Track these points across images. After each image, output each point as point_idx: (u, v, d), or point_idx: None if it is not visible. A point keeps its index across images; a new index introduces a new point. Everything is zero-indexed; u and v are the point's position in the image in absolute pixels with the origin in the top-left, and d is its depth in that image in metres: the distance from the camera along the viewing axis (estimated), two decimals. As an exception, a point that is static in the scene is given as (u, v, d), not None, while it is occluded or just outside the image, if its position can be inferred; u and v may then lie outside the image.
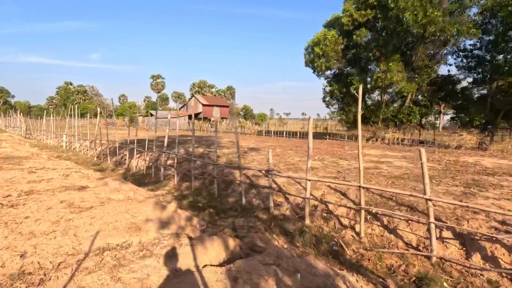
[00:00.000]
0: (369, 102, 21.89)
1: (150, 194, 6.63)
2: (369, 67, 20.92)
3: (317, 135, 27.71)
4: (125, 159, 11.61)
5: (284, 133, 25.78)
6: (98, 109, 12.48)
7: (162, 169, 8.99)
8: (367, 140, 19.69)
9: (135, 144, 10.74)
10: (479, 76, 17.89)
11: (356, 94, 4.92)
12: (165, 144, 8.91)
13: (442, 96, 19.65)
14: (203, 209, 6.36)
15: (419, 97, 19.43)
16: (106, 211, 4.58)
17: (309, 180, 5.18)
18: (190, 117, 53.78)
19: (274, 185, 6.71)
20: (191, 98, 62.63)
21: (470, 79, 18.67)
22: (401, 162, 9.36)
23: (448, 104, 19.19)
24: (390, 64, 17.34)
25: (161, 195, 7.30)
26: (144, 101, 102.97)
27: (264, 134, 28.43)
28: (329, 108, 25.55)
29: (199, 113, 57.37)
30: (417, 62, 17.82)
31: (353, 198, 5.63)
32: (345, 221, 5.12)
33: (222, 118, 57.09)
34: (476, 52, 17.86)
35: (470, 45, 18.24)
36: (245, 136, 25.05)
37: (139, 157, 11.42)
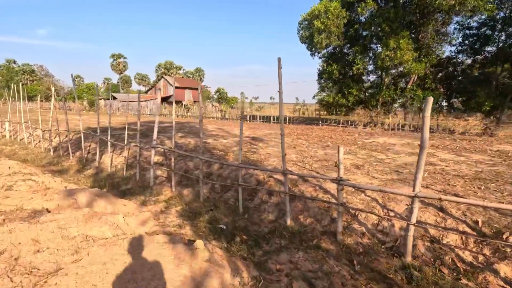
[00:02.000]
0: (367, 85, 20.66)
1: (145, 217, 4.46)
2: (372, 45, 19.48)
3: (309, 121, 26.24)
4: (95, 155, 9.01)
5: (272, 118, 23.91)
6: (53, 89, 9.55)
7: (151, 170, 6.71)
8: (365, 125, 18.58)
9: (108, 134, 8.21)
10: (484, 57, 17.30)
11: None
12: (155, 137, 6.59)
13: (444, 78, 18.96)
14: (232, 235, 4.35)
15: (424, 79, 18.52)
16: (86, 278, 2.43)
17: (417, 198, 3.39)
18: (161, 100, 49.65)
19: (324, 193, 4.88)
20: (159, 79, 57.76)
21: (469, 61, 18.07)
22: (447, 154, 7.98)
23: (449, 87, 18.59)
24: (401, 41, 15.98)
25: (160, 212, 5.13)
26: (104, 83, 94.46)
27: (248, 119, 26.32)
28: (324, 91, 24.02)
29: (169, 96, 53.24)
30: (425, 40, 16.66)
31: (458, 215, 3.97)
32: (468, 256, 3.45)
33: (195, 101, 53.48)
34: (483, 30, 17.12)
35: (477, 22, 17.47)
36: (229, 122, 22.80)
37: (113, 151, 8.89)
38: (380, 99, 18.22)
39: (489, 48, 17.08)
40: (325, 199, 4.72)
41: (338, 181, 3.88)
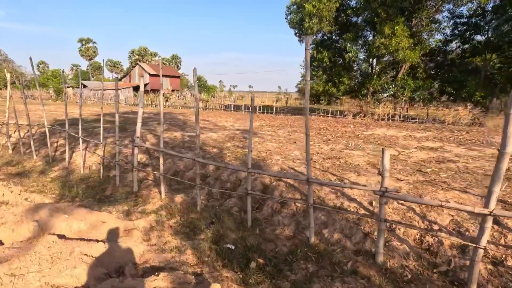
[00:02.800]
0: (357, 73, 20.16)
1: (134, 239, 3.53)
2: (365, 32, 18.83)
3: (297, 111, 25.56)
4: (64, 153, 7.75)
5: (258, 108, 22.98)
6: (8, 75, 8.08)
7: (134, 173, 5.67)
8: (354, 115, 18.20)
9: (80, 129, 6.99)
10: (474, 46, 17.29)
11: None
12: (138, 133, 5.53)
13: (435, 67, 18.85)
14: (245, 258, 3.54)
15: (415, 68, 18.27)
16: None
17: (492, 216, 2.72)
18: (134, 88, 46.95)
19: (349, 201, 4.17)
20: (134, 66, 54.50)
21: (459, 50, 17.99)
22: (458, 148, 7.55)
23: (440, 77, 18.54)
24: (396, 27, 15.46)
25: (150, 229, 4.18)
26: (72, 70, 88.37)
27: (232, 109, 25.21)
28: (313, 79, 23.27)
29: (145, 85, 50.50)
30: (418, 27, 16.26)
31: (517, 229, 3.38)
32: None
33: (173, 90, 51.07)
34: (473, 19, 17.03)
35: (468, 11, 17.35)
36: (212, 112, 21.64)
37: (86, 149, 7.68)
38: (371, 88, 17.84)
39: (478, 38, 17.13)
40: (354, 211, 3.99)
41: (383, 192, 3.14)
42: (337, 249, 3.63)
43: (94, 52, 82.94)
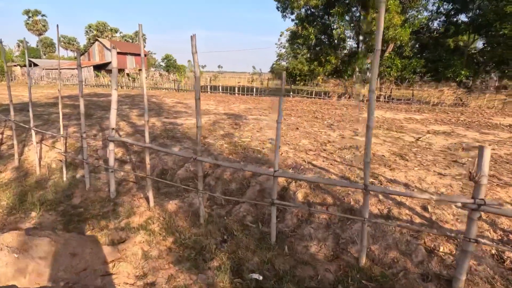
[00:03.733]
0: (343, 52, 19.39)
1: (127, 278, 2.47)
2: (353, 8, 17.87)
3: (277, 92, 24.39)
4: (12, 148, 6.20)
5: (237, 89, 21.63)
6: None
7: (111, 175, 4.44)
8: (339, 97, 17.66)
9: (31, 118, 5.48)
10: (458, 25, 17.18)
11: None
12: (113, 123, 4.24)
13: (420, 46, 18.61)
14: (283, 297, 2.64)
15: (402, 47, 17.85)
16: None
17: None
18: (95, 68, 42.80)
19: (398, 207, 3.39)
20: (93, 43, 49.43)
21: (443, 29, 17.85)
22: (469, 132, 7.10)
23: (426, 56, 18.39)
24: (390, 2, 14.71)
25: (143, 258, 3.12)
26: (19, 46, 78.96)
27: (209, 90, 23.60)
28: (296, 57, 22.15)
29: (107, 63, 46.30)
30: (406, 3, 15.66)
31: None
32: None
33: (139, 69, 47.28)
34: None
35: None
36: (188, 94, 20.00)
37: (41, 141, 6.19)
38: (356, 68, 17.31)
39: (463, 17, 17.05)
40: (407, 220, 3.20)
41: (479, 206, 2.33)
42: (398, 274, 2.84)
43: (44, 26, 74.25)
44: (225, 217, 3.87)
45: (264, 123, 7.93)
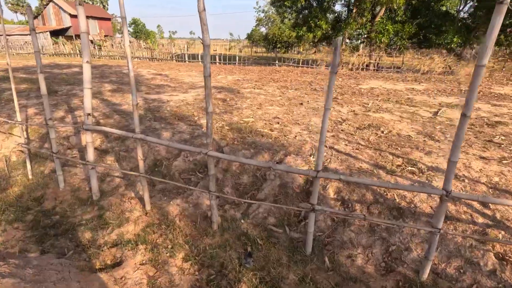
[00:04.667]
0: (333, 16, 18.20)
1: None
2: None
3: (263, 60, 23.10)
4: (-45, 138, 5.01)
5: (218, 57, 20.10)
6: None
7: (93, 170, 3.57)
8: (327, 66, 16.86)
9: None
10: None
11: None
12: (88, 108, 3.28)
13: (412, 11, 17.81)
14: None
15: (395, 11, 16.93)
16: None
17: None
18: (53, 33, 38.36)
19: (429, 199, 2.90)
20: (47, 4, 43.68)
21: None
22: (483, 105, 6.73)
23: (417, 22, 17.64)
24: None
25: (148, 283, 2.42)
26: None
27: (187, 59, 21.80)
28: (283, 21, 20.57)
29: (66, 29, 41.67)
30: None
31: None
32: None
33: (105, 35, 42.91)
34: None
35: None
36: (165, 64, 18.28)
37: (-5, 129, 5.05)
38: (346, 34, 16.40)
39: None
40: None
41: None
42: (469, 289, 2.38)
43: (-15, -17, 64.59)
44: (242, 220, 3.22)
45: (262, 98, 7.11)
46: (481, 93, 8.35)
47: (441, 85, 10.00)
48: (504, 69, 14.90)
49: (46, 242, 3.00)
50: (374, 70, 16.37)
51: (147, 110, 5.80)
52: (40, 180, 4.04)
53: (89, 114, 3.31)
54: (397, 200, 3.02)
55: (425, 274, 2.46)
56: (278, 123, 5.04)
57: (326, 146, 4.08)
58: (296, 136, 4.45)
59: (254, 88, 8.45)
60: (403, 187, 2.94)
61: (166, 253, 2.82)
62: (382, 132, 4.65)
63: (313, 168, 2.85)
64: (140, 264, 2.67)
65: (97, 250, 2.86)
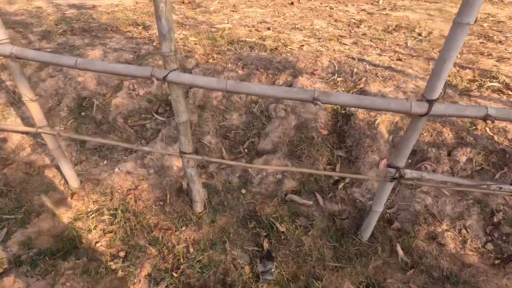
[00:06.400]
0: None
1: None
2: None
3: None
4: None
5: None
6: None
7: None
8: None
9: None
10: None
11: None
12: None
13: None
14: None
15: None
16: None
17: None
18: None
19: None
20: None
21: None
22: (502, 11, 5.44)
23: None
24: None
25: None
26: None
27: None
28: None
29: None
30: None
31: None
32: None
33: None
34: None
35: None
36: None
37: None
38: None
39: None
40: None
41: None
42: None
43: None
44: (243, 190, 1.97)
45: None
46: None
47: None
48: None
49: None
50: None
51: (62, 19, 3.76)
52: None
53: None
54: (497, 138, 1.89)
55: None
56: (269, 28, 3.44)
57: (353, 58, 2.69)
58: (302, 45, 2.96)
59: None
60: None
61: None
62: (419, 34, 3.30)
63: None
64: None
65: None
